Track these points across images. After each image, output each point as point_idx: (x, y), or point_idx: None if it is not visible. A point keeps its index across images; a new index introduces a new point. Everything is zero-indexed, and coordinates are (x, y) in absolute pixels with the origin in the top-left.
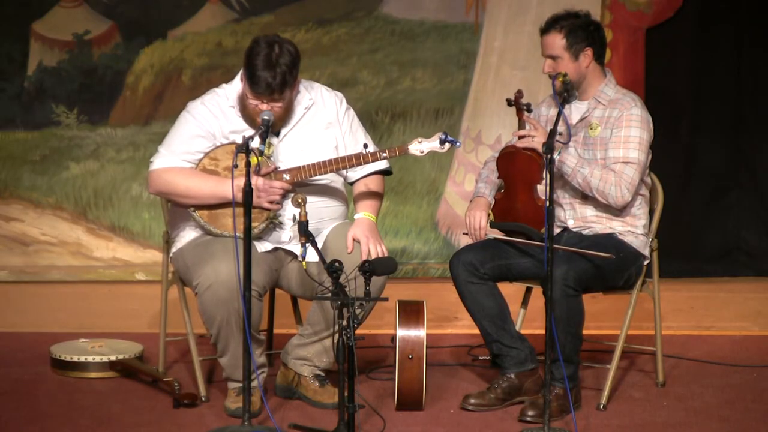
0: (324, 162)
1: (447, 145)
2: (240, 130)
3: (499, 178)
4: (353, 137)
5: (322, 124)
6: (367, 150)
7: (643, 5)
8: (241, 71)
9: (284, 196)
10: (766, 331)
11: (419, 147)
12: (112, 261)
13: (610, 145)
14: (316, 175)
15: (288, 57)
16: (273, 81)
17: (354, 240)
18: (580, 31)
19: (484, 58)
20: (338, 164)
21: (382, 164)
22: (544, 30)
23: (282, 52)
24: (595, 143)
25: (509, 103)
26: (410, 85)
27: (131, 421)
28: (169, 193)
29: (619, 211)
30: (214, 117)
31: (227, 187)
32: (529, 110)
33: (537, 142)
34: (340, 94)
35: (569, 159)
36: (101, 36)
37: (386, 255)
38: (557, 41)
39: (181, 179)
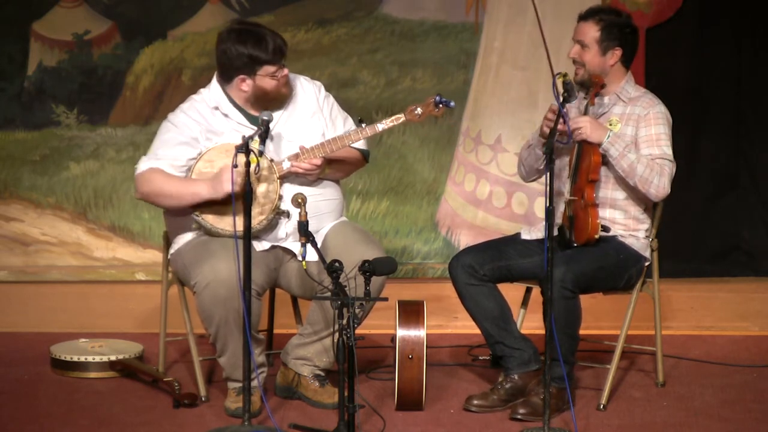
0: (324, 143)
1: (441, 107)
2: (227, 131)
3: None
4: (333, 124)
5: (307, 113)
6: (364, 125)
7: (643, 5)
8: (216, 76)
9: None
10: (766, 331)
11: (414, 113)
12: (112, 261)
13: (643, 144)
14: (316, 157)
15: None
16: (280, 40)
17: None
18: (616, 29)
19: (484, 58)
20: (337, 143)
21: (360, 145)
22: (584, 16)
23: (257, 23)
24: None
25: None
26: (410, 85)
27: (131, 421)
28: (158, 193)
29: (624, 213)
30: (196, 122)
31: (225, 180)
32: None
33: (585, 132)
34: (318, 83)
35: (618, 142)
36: (101, 36)
37: (317, 165)
38: (592, 31)
39: (170, 180)
